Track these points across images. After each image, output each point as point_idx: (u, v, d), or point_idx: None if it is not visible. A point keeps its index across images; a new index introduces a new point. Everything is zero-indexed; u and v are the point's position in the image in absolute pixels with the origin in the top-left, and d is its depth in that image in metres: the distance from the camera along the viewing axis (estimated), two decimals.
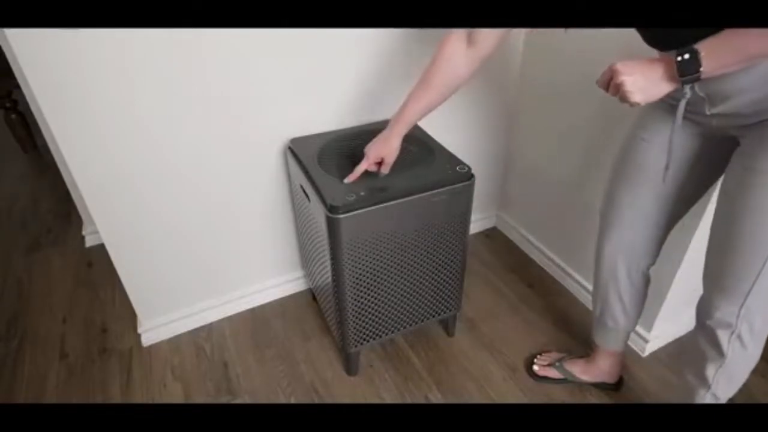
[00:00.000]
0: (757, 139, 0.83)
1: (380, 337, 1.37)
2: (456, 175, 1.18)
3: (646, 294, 1.22)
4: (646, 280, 1.19)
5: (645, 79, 0.77)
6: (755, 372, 1.02)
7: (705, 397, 1.04)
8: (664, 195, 1.04)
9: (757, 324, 0.93)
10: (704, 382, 1.03)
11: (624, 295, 1.19)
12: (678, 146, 0.94)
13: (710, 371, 1.01)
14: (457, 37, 0.99)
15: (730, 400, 1.07)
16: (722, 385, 1.02)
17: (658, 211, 1.06)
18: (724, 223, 0.90)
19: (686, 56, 0.72)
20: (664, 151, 0.90)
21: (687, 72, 0.73)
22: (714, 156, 0.96)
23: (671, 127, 0.86)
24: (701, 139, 0.95)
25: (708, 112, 0.86)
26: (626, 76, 0.76)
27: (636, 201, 1.06)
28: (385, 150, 1.11)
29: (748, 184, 0.84)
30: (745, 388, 1.21)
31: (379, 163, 1.14)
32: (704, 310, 0.98)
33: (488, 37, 0.96)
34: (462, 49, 0.99)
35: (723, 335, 0.96)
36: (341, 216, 1.08)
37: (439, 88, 1.04)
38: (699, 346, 1.02)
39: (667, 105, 0.94)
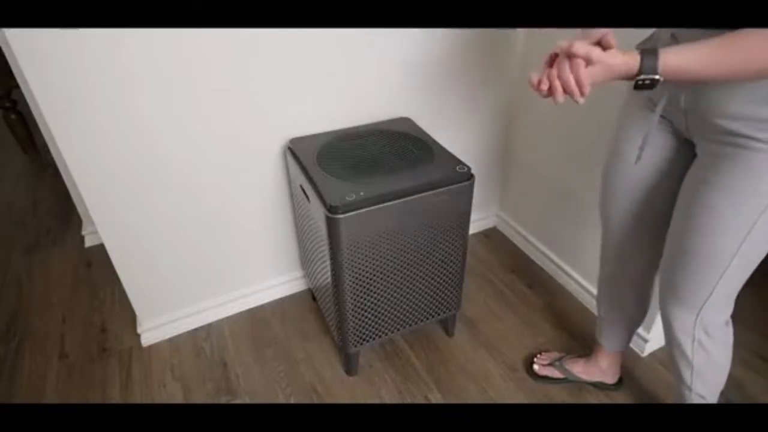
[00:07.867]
0: (712, 152, 0.82)
1: (380, 337, 1.37)
2: (456, 175, 1.18)
3: (652, 293, 1.21)
4: (652, 279, 1.17)
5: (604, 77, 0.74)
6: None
7: (692, 398, 1.06)
8: (638, 185, 1.00)
9: (710, 330, 0.95)
10: (684, 384, 1.06)
11: (631, 297, 1.19)
12: (653, 136, 0.92)
13: (686, 374, 1.04)
14: None
15: (727, 399, 1.08)
16: (700, 387, 1.04)
17: (633, 204, 1.03)
18: (679, 235, 0.90)
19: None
20: (639, 140, 0.91)
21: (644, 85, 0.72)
22: (683, 159, 0.93)
23: (650, 116, 0.88)
24: (674, 138, 0.93)
25: (683, 105, 0.84)
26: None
27: (615, 201, 1.05)
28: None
29: (701, 197, 0.83)
30: (744, 387, 1.21)
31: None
32: (664, 317, 1.00)
33: None
34: None
35: (686, 342, 0.98)
36: (341, 216, 1.08)
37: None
38: (672, 350, 1.04)
39: (645, 102, 0.93)
